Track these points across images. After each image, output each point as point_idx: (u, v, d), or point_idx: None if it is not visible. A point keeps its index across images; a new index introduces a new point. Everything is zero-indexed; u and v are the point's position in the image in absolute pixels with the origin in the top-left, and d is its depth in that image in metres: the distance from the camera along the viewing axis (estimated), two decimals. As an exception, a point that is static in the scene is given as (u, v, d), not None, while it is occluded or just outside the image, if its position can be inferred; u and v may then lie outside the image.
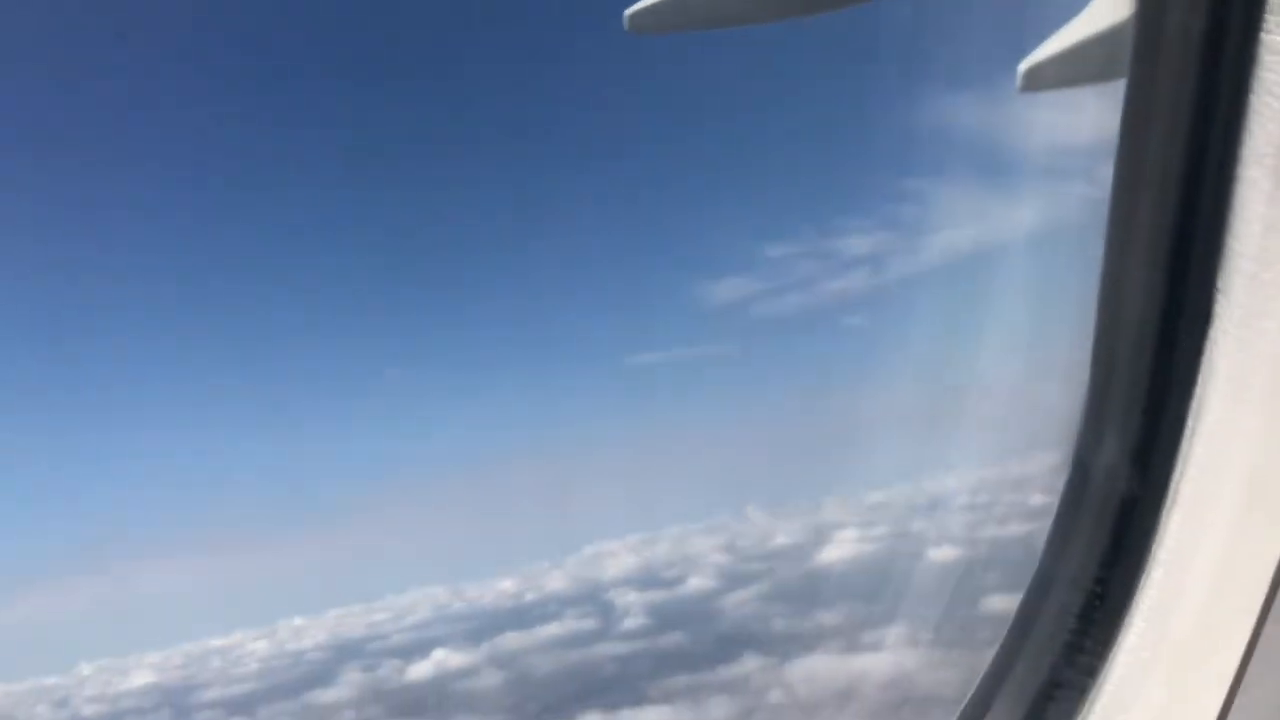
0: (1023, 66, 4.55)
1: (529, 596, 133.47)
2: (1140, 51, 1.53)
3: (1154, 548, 1.62)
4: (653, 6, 5.28)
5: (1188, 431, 1.57)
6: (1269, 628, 1.55)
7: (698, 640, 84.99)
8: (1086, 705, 1.65)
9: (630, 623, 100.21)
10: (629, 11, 5.26)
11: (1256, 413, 1.52)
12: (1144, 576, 1.63)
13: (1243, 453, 1.54)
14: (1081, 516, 1.74)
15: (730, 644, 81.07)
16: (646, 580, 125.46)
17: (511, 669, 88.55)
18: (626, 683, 74.40)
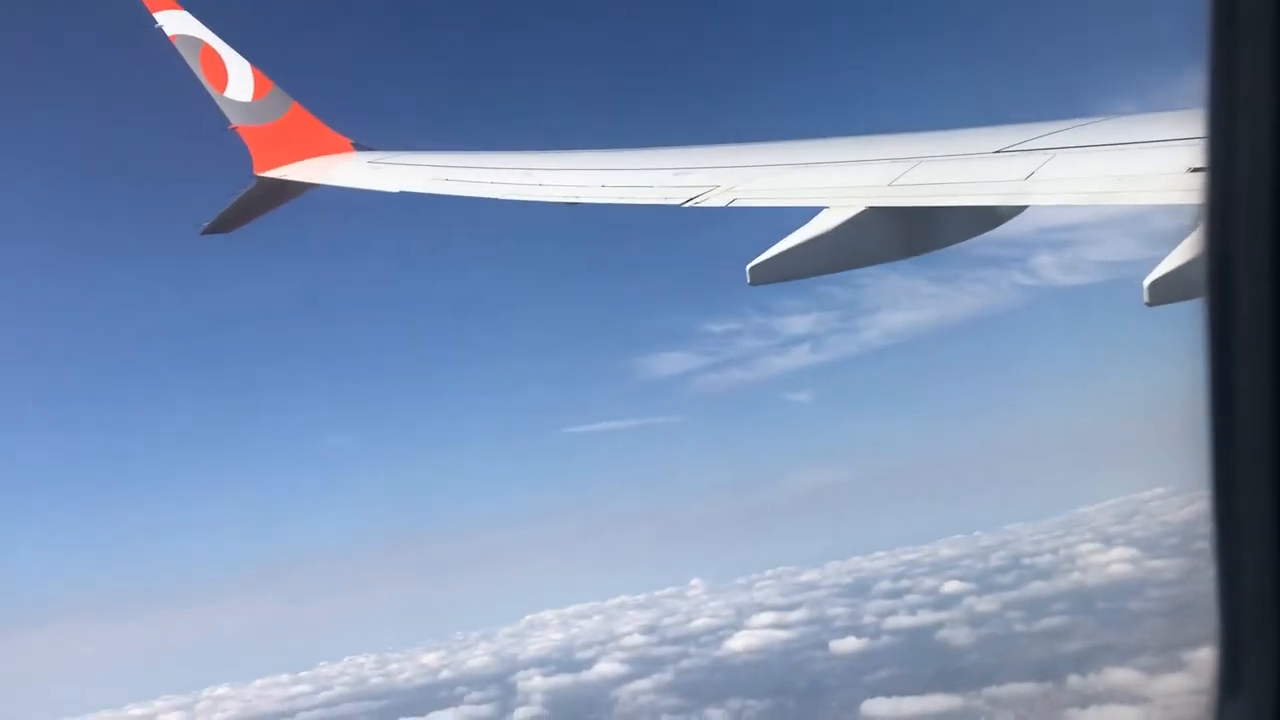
0: (1146, 281, 4.93)
1: (444, 674, 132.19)
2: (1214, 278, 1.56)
3: None
4: (771, 260, 6.47)
5: None
6: None
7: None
8: None
9: (523, 713, 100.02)
10: (750, 265, 6.53)
11: None
12: None
13: None
14: None
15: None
16: (559, 662, 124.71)
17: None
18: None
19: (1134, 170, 5.80)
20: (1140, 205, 5.53)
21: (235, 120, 12.40)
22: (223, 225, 12.34)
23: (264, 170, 12.32)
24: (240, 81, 12.44)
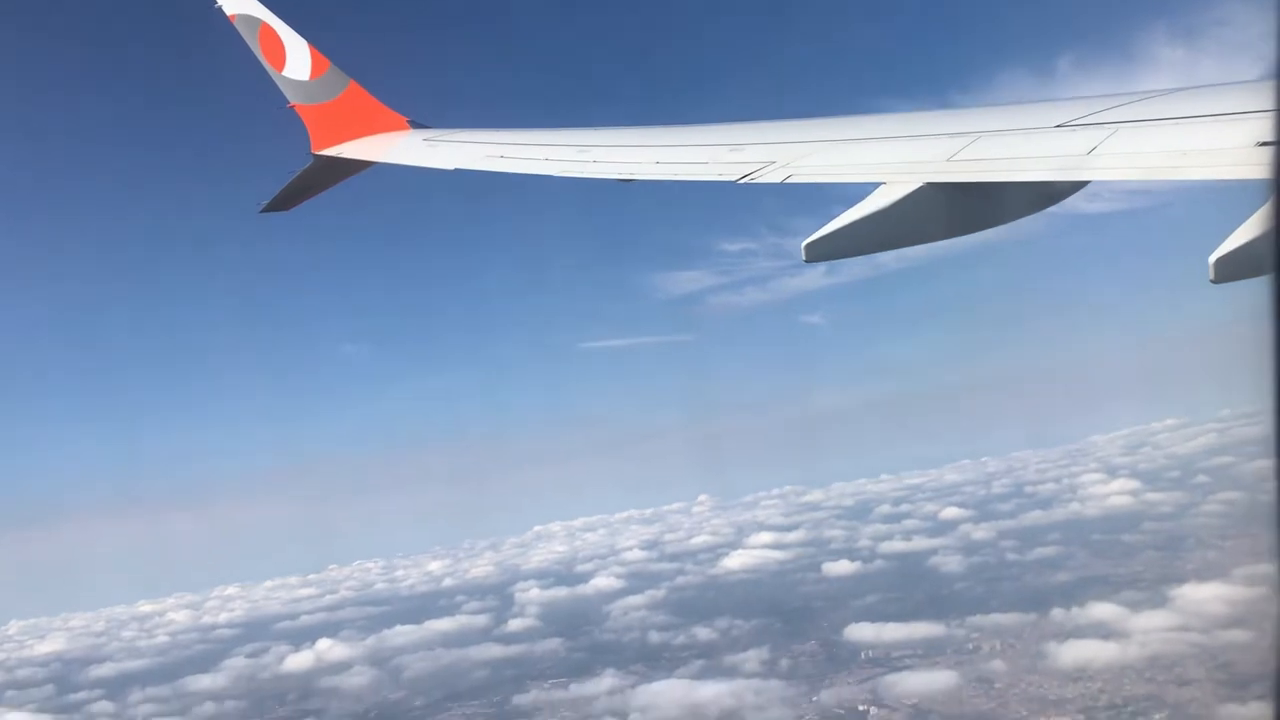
0: (1212, 258, 4.68)
1: (447, 582, 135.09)
2: None
3: None
4: (826, 237, 6.37)
5: None
6: None
7: (571, 649, 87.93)
8: None
9: (517, 624, 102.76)
10: (805, 242, 6.37)
11: None
12: None
13: None
14: None
15: (598, 657, 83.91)
16: (559, 575, 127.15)
17: (384, 668, 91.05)
18: (483, 692, 76.93)
19: (1198, 144, 5.66)
20: (1205, 180, 5.35)
21: (293, 99, 12.57)
22: (281, 204, 12.57)
23: (321, 148, 12.42)
24: (298, 60, 12.59)
